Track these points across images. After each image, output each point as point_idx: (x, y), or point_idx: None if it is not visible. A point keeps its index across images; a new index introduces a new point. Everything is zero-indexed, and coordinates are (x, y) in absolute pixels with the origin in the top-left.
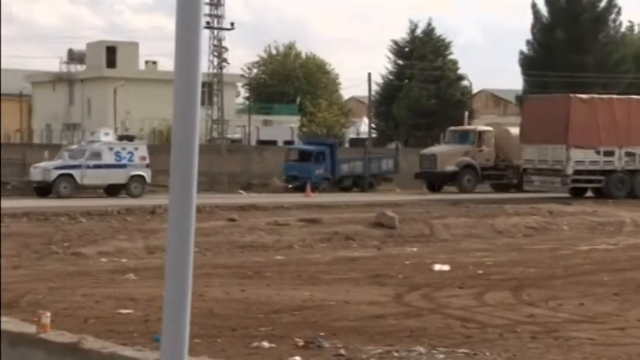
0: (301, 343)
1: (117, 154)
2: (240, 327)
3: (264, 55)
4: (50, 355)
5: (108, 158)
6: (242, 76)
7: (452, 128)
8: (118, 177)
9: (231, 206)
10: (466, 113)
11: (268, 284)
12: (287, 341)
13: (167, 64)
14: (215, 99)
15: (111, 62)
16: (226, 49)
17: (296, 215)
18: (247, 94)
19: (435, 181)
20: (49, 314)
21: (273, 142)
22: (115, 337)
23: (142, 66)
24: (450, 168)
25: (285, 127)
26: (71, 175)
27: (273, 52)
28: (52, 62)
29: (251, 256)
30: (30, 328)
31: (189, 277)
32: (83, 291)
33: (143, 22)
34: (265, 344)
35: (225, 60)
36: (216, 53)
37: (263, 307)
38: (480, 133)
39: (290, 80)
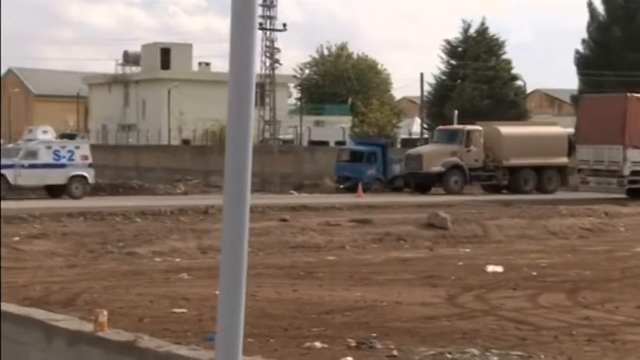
0: (353, 344)
1: (55, 153)
2: (292, 327)
3: (316, 56)
4: (107, 353)
5: (45, 157)
6: (294, 76)
7: (439, 127)
8: (57, 177)
9: (282, 206)
10: (455, 112)
11: (320, 284)
12: (339, 342)
13: (220, 65)
14: (267, 100)
15: (165, 64)
16: (278, 50)
17: (347, 216)
18: (299, 95)
19: (421, 182)
20: (106, 313)
21: (325, 143)
22: (169, 335)
23: (195, 67)
24: (436, 169)
25: (336, 127)
26: (2, 175)
27: (325, 52)
28: (108, 64)
29: (303, 257)
30: (87, 327)
31: (243, 277)
32: (138, 290)
33: (197, 23)
34: (317, 344)
35: (277, 61)
36: (268, 54)
37: (315, 308)
38: (469, 132)
39: (342, 81)
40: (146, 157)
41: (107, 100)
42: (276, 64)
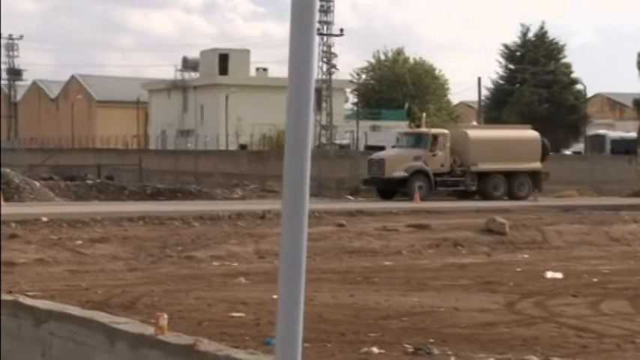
0: (411, 350)
1: None
2: (349, 332)
3: (373, 61)
4: (168, 356)
5: None
6: (351, 81)
7: (403, 130)
8: None
9: (339, 211)
10: (423, 114)
11: (377, 290)
12: (396, 347)
13: (277, 70)
14: (324, 105)
15: (223, 69)
16: (335, 55)
17: (404, 221)
18: (356, 100)
19: (384, 187)
20: (166, 316)
21: (382, 148)
22: (227, 339)
23: (253, 73)
24: (399, 174)
25: (393, 132)
26: None
27: (382, 57)
28: (167, 70)
29: (359, 262)
30: (148, 330)
31: (302, 282)
32: (196, 294)
33: (254, 29)
34: (375, 350)
35: (334, 66)
36: (325, 59)
37: (372, 313)
38: (434, 136)
39: (398, 85)
40: (204, 162)
41: (166, 106)
42: (333, 69)
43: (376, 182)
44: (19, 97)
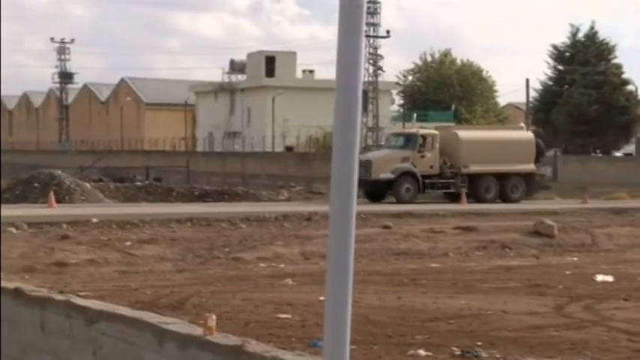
0: (458, 353)
1: None
2: (396, 334)
3: (419, 63)
4: (216, 356)
5: None
6: (397, 83)
7: (392, 132)
8: None
9: (385, 213)
10: (414, 115)
11: (424, 292)
12: (444, 350)
13: (323, 72)
14: (370, 107)
15: (270, 72)
16: (382, 57)
17: (451, 223)
18: (402, 102)
19: (370, 189)
20: (214, 317)
21: None
22: (274, 341)
23: (299, 75)
24: (385, 175)
25: None
26: None
27: (429, 59)
28: (215, 73)
29: (406, 264)
30: (197, 331)
31: (349, 284)
32: (243, 295)
33: (300, 32)
34: (422, 352)
35: (380, 68)
36: (371, 61)
37: (419, 315)
38: (423, 137)
39: (445, 87)
40: (251, 163)
41: (213, 108)
42: (380, 71)
43: (363, 184)
44: (70, 99)
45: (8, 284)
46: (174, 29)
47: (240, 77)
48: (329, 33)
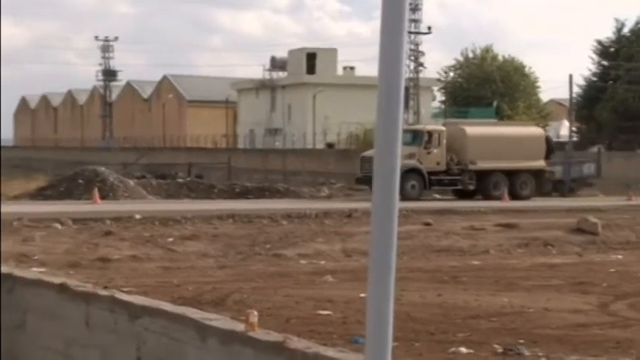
0: (500, 350)
1: None
2: (437, 331)
3: (461, 59)
4: (258, 352)
5: None
6: (438, 80)
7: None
8: None
9: (426, 210)
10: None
11: (465, 289)
12: (485, 347)
13: (364, 69)
14: (411, 103)
15: (311, 68)
16: (423, 54)
17: (492, 220)
18: (443, 98)
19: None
20: (256, 313)
21: None
22: (315, 337)
23: (340, 71)
24: None
25: None
26: None
27: (470, 55)
28: (255, 70)
29: (447, 261)
30: (239, 327)
31: (391, 281)
32: (284, 291)
33: (341, 28)
34: (463, 350)
35: (421, 64)
36: (413, 57)
37: (460, 312)
38: (429, 133)
39: (487, 83)
40: (292, 160)
41: (254, 105)
42: (421, 68)
43: (367, 181)
44: (113, 97)
45: (53, 279)
46: (216, 27)
47: (281, 74)
48: (369, 29)
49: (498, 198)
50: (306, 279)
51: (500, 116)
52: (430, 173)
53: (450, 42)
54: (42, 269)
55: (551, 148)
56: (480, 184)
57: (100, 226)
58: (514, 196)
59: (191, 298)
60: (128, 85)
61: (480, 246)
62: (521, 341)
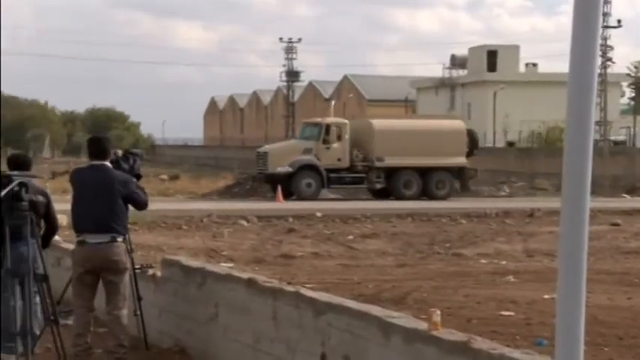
0: None
1: None
2: (627, 336)
3: None
4: (441, 352)
5: None
6: (627, 75)
7: (303, 121)
8: None
9: (614, 210)
10: (332, 102)
11: None
12: None
13: (547, 66)
14: (598, 99)
15: (491, 66)
16: (612, 48)
17: None
18: (633, 94)
19: (270, 184)
20: (439, 312)
21: None
22: (497, 338)
23: (522, 69)
24: (283, 169)
25: None
26: None
27: None
28: (434, 68)
29: (636, 263)
30: (421, 325)
31: (583, 283)
32: (464, 291)
33: (522, 24)
34: None
35: (610, 59)
36: (601, 52)
37: None
38: (327, 126)
39: None
40: (471, 158)
41: (434, 104)
42: (609, 62)
43: (260, 178)
44: (296, 97)
45: (241, 274)
46: (393, 26)
47: (461, 72)
48: (552, 25)
49: (411, 198)
50: (487, 279)
51: None
52: (330, 170)
53: None
54: (230, 264)
55: (476, 143)
56: (390, 183)
57: (283, 224)
58: (429, 196)
59: (371, 295)
60: (310, 85)
61: None
62: None
